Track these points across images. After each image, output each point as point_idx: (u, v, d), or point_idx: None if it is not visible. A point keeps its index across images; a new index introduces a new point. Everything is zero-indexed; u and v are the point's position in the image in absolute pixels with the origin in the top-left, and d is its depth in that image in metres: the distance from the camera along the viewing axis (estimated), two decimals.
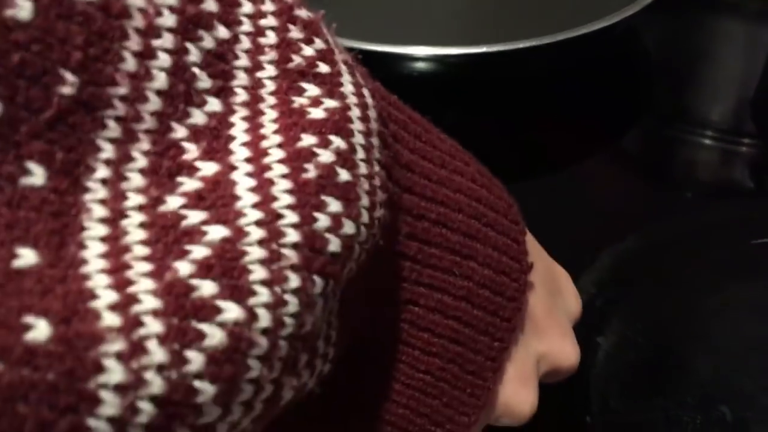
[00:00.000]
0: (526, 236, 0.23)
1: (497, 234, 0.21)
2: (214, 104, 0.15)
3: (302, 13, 0.17)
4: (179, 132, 0.14)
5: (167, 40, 0.14)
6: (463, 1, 0.49)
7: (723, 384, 0.28)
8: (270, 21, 0.16)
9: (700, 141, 0.42)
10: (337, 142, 0.15)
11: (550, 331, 0.23)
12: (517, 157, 0.40)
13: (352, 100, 0.16)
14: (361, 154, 0.16)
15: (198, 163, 0.14)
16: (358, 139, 0.16)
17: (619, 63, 0.45)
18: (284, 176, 0.14)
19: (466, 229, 0.20)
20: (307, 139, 0.15)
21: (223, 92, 0.15)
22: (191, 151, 0.14)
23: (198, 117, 0.14)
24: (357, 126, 0.16)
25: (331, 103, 0.16)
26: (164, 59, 0.14)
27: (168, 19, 0.14)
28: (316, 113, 0.15)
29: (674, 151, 0.41)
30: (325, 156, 0.15)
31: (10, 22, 0.12)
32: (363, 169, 0.16)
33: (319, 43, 0.17)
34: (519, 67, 0.40)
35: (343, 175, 0.15)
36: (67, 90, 0.13)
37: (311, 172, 0.14)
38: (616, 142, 0.42)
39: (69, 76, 0.13)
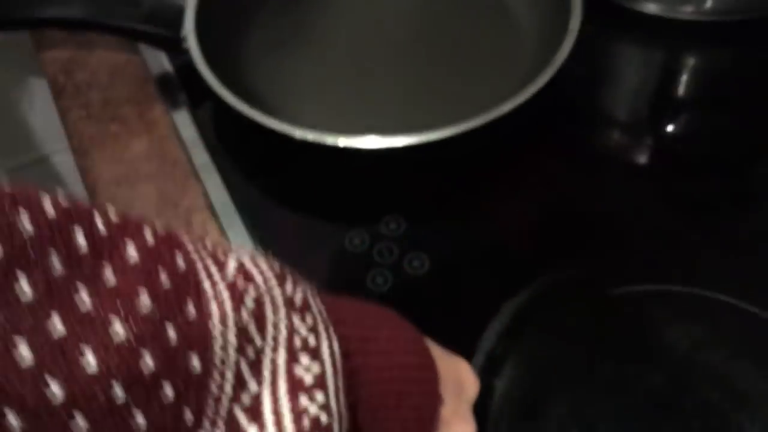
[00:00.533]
0: (446, 353, 0.35)
1: (422, 384, 0.32)
2: (253, 386, 0.25)
3: (299, 296, 0.27)
4: (241, 418, 0.25)
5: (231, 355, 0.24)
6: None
7: (576, 415, 0.41)
8: (287, 319, 0.26)
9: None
10: (320, 397, 0.26)
11: (455, 424, 0.35)
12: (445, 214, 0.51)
13: (327, 360, 0.27)
14: (332, 399, 0.27)
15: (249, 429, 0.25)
16: (331, 389, 0.27)
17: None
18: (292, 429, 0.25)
19: (399, 390, 0.32)
20: (302, 400, 0.26)
21: (256, 375, 0.25)
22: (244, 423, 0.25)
23: (246, 399, 0.25)
24: (330, 381, 0.27)
25: (315, 368, 0.26)
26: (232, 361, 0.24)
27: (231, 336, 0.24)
28: (307, 378, 0.26)
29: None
30: (313, 409, 0.26)
31: None
32: (334, 407, 0.27)
33: (309, 320, 0.27)
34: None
35: (324, 418, 0.26)
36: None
37: (305, 422, 0.26)
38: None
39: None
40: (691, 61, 0.62)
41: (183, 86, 0.60)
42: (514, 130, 0.51)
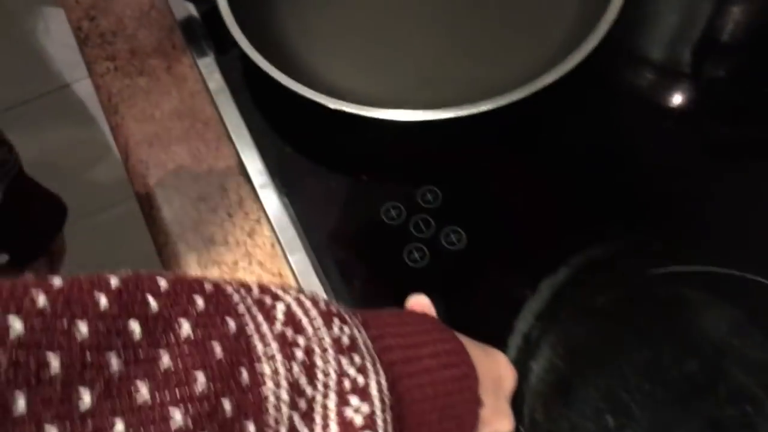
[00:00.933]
0: (484, 350, 0.35)
1: (463, 393, 0.33)
2: None
3: (346, 337, 0.27)
4: None
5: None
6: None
7: (610, 399, 0.42)
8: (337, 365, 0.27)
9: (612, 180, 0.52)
10: None
11: (495, 422, 0.36)
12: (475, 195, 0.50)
13: (376, 397, 0.27)
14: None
15: None
16: (380, 425, 0.27)
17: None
18: None
19: (442, 405, 0.32)
20: None
21: (308, 424, 0.26)
22: None
23: None
24: (379, 418, 0.27)
25: (365, 408, 0.27)
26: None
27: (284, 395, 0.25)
28: (357, 419, 0.27)
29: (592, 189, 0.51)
30: None
31: None
32: None
33: (357, 359, 0.27)
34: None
35: None
36: None
37: None
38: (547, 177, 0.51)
39: None
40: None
41: (209, 32, 0.58)
42: (556, 99, 0.49)
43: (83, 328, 0.20)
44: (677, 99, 0.56)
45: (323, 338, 0.27)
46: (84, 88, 0.82)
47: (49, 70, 0.77)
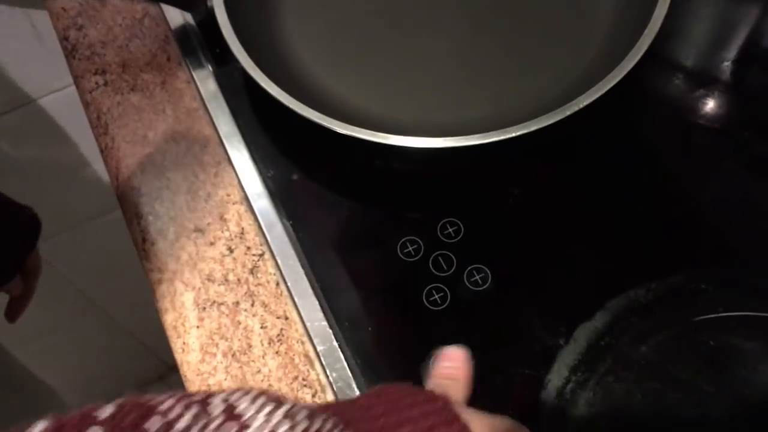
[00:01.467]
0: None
1: None
2: None
3: None
4: None
5: None
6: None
7: None
8: None
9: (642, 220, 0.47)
10: None
11: None
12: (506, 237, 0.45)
13: None
14: None
15: None
16: None
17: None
18: None
19: None
20: None
21: None
22: None
23: None
24: None
25: None
26: None
27: None
28: None
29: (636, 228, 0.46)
30: None
31: None
32: None
33: None
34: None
35: None
36: None
37: None
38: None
39: None
40: None
41: (206, 42, 0.53)
42: (591, 120, 0.44)
43: None
44: (720, 116, 0.51)
45: None
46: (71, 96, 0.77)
47: (37, 76, 0.72)
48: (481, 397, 0.40)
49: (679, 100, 0.51)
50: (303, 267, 0.44)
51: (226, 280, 0.45)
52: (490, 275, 0.43)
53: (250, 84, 0.46)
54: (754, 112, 0.51)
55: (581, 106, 0.42)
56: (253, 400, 0.25)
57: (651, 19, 0.44)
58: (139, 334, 1.17)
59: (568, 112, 0.41)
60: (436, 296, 0.43)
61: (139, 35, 0.54)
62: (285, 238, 0.45)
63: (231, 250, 0.46)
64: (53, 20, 0.56)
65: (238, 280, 0.45)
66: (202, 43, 0.53)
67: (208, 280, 0.45)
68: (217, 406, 0.23)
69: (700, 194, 0.47)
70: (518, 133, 0.41)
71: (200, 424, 0.22)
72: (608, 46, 0.47)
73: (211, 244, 0.46)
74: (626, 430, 0.39)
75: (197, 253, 0.46)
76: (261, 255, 0.45)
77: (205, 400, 0.24)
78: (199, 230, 0.46)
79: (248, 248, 0.46)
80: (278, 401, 0.25)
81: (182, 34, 0.53)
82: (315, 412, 0.26)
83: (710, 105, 0.51)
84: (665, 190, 0.46)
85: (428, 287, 0.43)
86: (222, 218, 0.47)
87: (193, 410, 0.23)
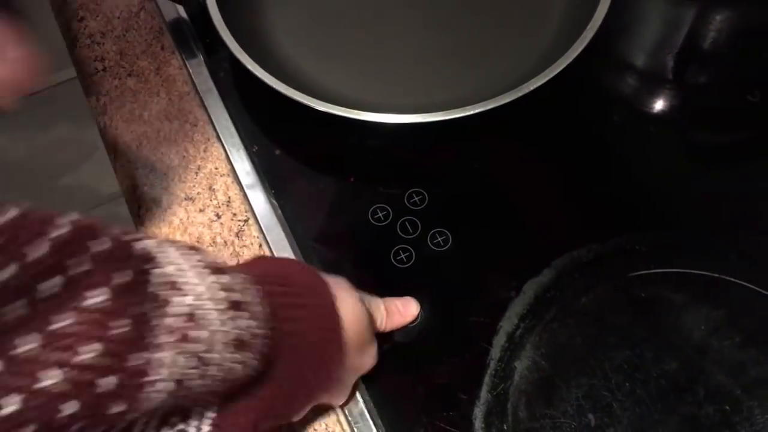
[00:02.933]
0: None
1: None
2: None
3: (236, 295, 0.30)
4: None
5: None
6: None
7: (592, 398, 0.43)
8: None
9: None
10: None
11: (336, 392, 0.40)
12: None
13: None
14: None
15: None
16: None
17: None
18: None
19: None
20: None
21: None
22: None
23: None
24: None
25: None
26: None
27: None
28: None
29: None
30: None
31: None
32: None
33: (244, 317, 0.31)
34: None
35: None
36: None
37: None
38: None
39: None
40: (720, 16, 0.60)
41: (198, 34, 0.58)
42: (542, 104, 0.50)
43: (10, 270, 0.22)
44: (660, 104, 0.57)
45: (216, 332, 0.28)
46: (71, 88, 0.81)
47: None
48: (443, 339, 0.45)
49: (627, 91, 0.58)
50: (284, 230, 0.49)
51: (214, 242, 0.49)
52: (450, 238, 0.48)
53: (238, 68, 0.51)
54: (692, 103, 0.57)
55: (530, 89, 0.47)
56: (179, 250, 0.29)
57: (593, 16, 0.50)
58: None
59: (518, 95, 0.47)
60: (403, 256, 0.48)
61: (136, 27, 0.59)
62: (267, 206, 0.50)
63: (218, 216, 0.50)
64: (55, 13, 0.61)
65: (225, 242, 0.49)
66: (193, 34, 0.58)
67: (198, 242, 0.50)
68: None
69: (640, 171, 0.52)
70: (474, 112, 0.47)
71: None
72: (557, 40, 0.53)
73: (201, 210, 0.51)
74: (568, 368, 0.44)
75: (188, 218, 0.50)
76: (246, 221, 0.50)
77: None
78: (189, 198, 0.51)
79: (234, 215, 0.50)
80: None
81: (175, 25, 0.58)
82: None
83: (654, 96, 0.57)
84: (609, 166, 0.52)
85: (396, 248, 0.48)
86: (210, 188, 0.52)
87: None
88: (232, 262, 0.49)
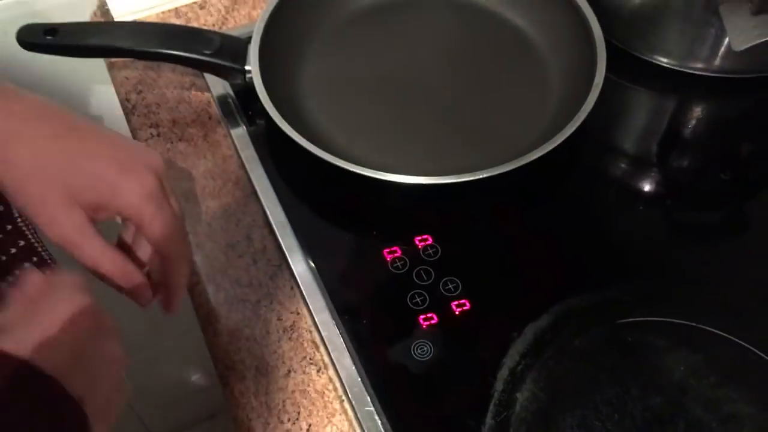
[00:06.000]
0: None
1: None
2: None
3: None
4: None
5: None
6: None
7: (584, 427, 0.48)
8: None
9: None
10: None
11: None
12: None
13: None
14: None
15: None
16: None
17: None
18: None
19: None
20: None
21: None
22: None
23: None
24: None
25: None
26: None
27: None
28: None
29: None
30: None
31: None
32: None
33: None
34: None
35: None
36: None
37: None
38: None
39: None
40: (698, 109, 0.69)
41: (241, 107, 0.67)
42: (539, 174, 0.57)
43: None
44: (647, 185, 0.64)
45: None
46: None
47: None
48: (453, 372, 0.51)
49: (615, 171, 0.65)
50: (313, 275, 0.55)
51: (251, 283, 0.56)
52: (460, 285, 0.55)
53: (276, 136, 0.59)
54: (675, 185, 0.64)
55: (529, 160, 0.55)
56: None
57: (584, 103, 0.58)
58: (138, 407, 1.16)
59: (519, 164, 0.55)
60: (418, 299, 0.54)
61: (187, 99, 0.68)
62: (300, 256, 0.57)
63: (255, 262, 0.57)
64: (116, 87, 0.70)
65: (260, 283, 0.56)
66: (237, 106, 0.66)
67: (237, 282, 0.56)
68: None
69: (628, 237, 0.59)
70: (482, 176, 0.54)
71: None
72: (554, 122, 0.60)
73: (239, 257, 0.57)
74: (563, 401, 0.49)
75: (228, 262, 0.57)
76: (279, 266, 0.57)
77: None
78: (230, 246, 0.58)
79: (269, 260, 0.57)
80: None
81: (222, 99, 0.67)
82: None
83: (640, 176, 0.65)
84: (604, 231, 0.59)
85: (411, 292, 0.54)
86: (248, 237, 0.58)
87: None
88: (266, 303, 0.55)
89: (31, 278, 0.39)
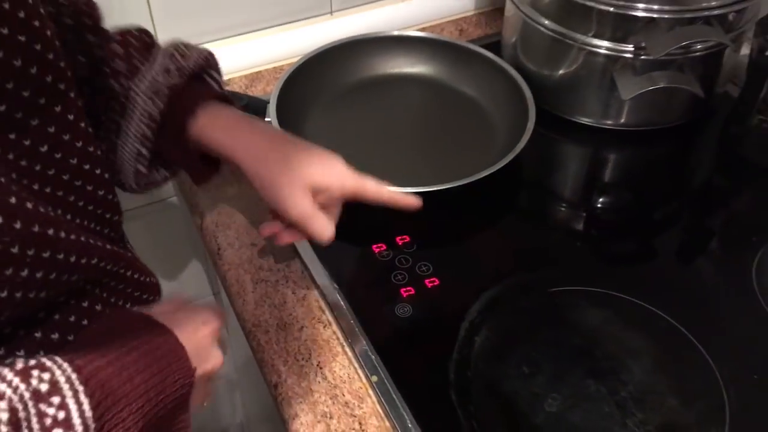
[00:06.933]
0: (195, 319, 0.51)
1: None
2: None
3: (44, 385, 0.38)
4: None
5: None
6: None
7: (526, 357, 0.65)
8: None
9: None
10: None
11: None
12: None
13: (78, 423, 0.38)
14: None
15: None
16: None
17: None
18: None
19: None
20: None
21: None
22: None
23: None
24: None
25: None
26: None
27: None
28: None
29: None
30: None
31: None
32: None
33: (56, 400, 0.38)
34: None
35: None
36: None
37: None
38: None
39: None
40: (611, 156, 0.90)
41: None
42: (487, 191, 0.77)
43: None
44: (578, 224, 0.84)
45: (23, 395, 0.36)
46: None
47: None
48: (428, 325, 0.67)
49: (547, 192, 0.85)
50: (320, 263, 0.73)
51: (270, 269, 0.73)
52: (431, 267, 0.72)
53: None
54: (598, 220, 0.84)
55: (477, 178, 0.74)
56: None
57: (517, 143, 0.79)
58: None
59: (471, 180, 0.74)
60: (399, 277, 0.71)
61: None
62: (309, 250, 0.74)
63: (273, 255, 0.74)
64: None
65: (278, 269, 0.73)
66: None
67: (260, 269, 0.73)
68: None
69: (556, 234, 0.78)
70: (446, 187, 0.73)
71: None
72: (497, 156, 0.81)
73: (261, 250, 0.75)
74: (510, 341, 0.66)
75: (252, 255, 0.74)
76: (292, 258, 0.74)
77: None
78: (253, 244, 0.75)
79: (284, 253, 0.74)
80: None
81: None
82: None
83: (569, 213, 0.85)
84: (537, 230, 0.78)
85: (394, 272, 0.72)
86: (268, 238, 0.76)
87: None
88: (283, 282, 0.72)
89: (177, 297, 0.54)
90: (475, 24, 1.07)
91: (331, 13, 1.01)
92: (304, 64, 0.88)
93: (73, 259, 0.43)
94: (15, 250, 0.38)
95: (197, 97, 0.60)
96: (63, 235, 0.42)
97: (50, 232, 0.41)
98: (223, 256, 0.75)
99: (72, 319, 0.47)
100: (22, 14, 0.41)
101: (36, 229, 0.40)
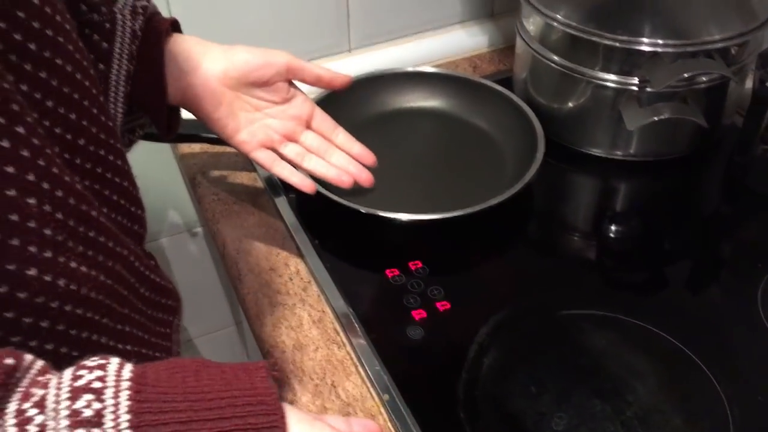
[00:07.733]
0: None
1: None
2: None
3: (90, 411, 0.34)
4: None
5: None
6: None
7: (533, 377, 0.67)
8: None
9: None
10: None
11: None
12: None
13: None
14: None
15: None
16: None
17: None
18: None
19: None
20: None
21: None
22: None
23: None
24: None
25: None
26: None
27: None
28: None
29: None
30: None
31: None
32: None
33: None
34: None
35: None
36: None
37: None
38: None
39: None
40: (619, 186, 0.93)
41: (282, 185, 0.90)
42: (498, 219, 0.80)
43: None
44: (586, 251, 0.86)
45: (60, 411, 0.32)
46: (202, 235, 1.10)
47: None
48: (439, 345, 0.70)
49: (556, 220, 0.88)
50: (335, 287, 0.76)
51: (288, 293, 0.76)
52: (443, 291, 0.75)
53: (303, 198, 0.81)
54: (606, 248, 0.86)
55: (486, 206, 0.77)
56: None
57: (527, 173, 0.82)
58: None
59: (479, 208, 0.77)
60: (411, 300, 0.74)
61: (240, 177, 0.91)
62: (326, 275, 0.77)
63: (291, 279, 0.78)
64: (184, 168, 0.93)
65: (295, 293, 0.76)
66: (281, 188, 0.90)
67: (277, 293, 0.76)
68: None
69: (564, 259, 0.81)
70: (457, 214, 0.76)
71: None
72: (507, 186, 0.84)
73: (279, 276, 0.78)
74: (517, 362, 0.68)
75: (271, 279, 0.78)
76: (309, 282, 0.77)
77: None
78: (272, 269, 0.79)
79: (301, 278, 0.78)
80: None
81: (267, 177, 0.90)
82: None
83: (578, 241, 0.87)
84: (545, 256, 0.81)
85: (406, 296, 0.75)
86: (286, 264, 0.79)
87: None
88: (300, 305, 0.75)
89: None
90: (488, 61, 1.11)
91: (349, 50, 1.06)
92: (324, 98, 0.92)
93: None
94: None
95: (164, 20, 0.66)
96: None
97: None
98: (244, 281, 0.78)
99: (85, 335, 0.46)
100: None
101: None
